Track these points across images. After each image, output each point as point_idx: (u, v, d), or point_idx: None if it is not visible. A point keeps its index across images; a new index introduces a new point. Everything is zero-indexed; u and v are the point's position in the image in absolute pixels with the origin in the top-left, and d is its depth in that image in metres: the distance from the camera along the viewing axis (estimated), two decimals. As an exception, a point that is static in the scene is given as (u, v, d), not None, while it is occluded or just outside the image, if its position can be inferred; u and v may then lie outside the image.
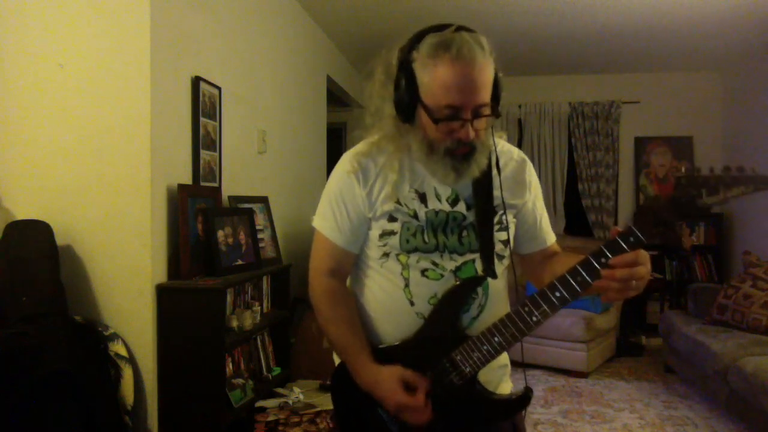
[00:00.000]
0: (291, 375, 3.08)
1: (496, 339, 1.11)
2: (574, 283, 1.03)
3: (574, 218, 5.95)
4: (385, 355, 1.20)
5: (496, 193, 1.21)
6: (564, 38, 4.64)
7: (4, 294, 2.05)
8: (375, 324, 1.24)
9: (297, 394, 2.73)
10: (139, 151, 2.23)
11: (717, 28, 4.32)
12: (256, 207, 3.03)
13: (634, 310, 5.18)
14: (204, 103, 2.59)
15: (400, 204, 1.18)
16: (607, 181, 5.76)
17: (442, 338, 1.16)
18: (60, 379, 1.91)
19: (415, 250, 1.18)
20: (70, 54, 2.26)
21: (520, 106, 5.96)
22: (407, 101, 1.11)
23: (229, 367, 2.50)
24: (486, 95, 1.09)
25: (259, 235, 2.95)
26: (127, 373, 2.18)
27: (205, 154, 2.61)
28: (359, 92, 5.91)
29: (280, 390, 2.81)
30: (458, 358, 1.14)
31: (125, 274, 2.24)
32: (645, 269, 0.99)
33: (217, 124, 2.72)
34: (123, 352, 2.19)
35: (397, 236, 1.18)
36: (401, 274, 1.19)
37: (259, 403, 2.63)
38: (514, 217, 1.26)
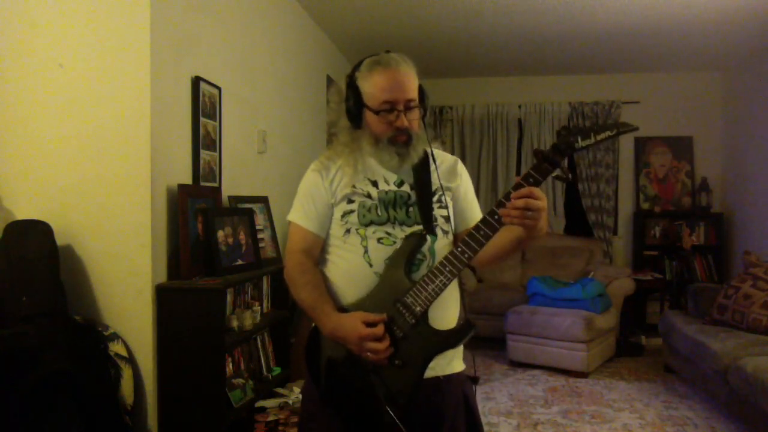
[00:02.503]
0: (291, 375, 3.08)
1: (438, 278, 1.35)
2: (492, 221, 1.30)
3: (574, 218, 5.96)
4: (348, 310, 1.41)
5: (435, 181, 1.49)
6: (564, 38, 4.64)
7: (4, 294, 2.05)
8: (340, 288, 1.46)
9: (297, 394, 2.73)
10: (139, 151, 2.23)
11: (717, 28, 4.32)
12: (256, 207, 3.03)
13: (634, 310, 5.18)
14: (204, 103, 2.59)
15: (355, 188, 1.46)
16: (607, 181, 5.76)
17: (394, 287, 1.38)
18: (60, 379, 1.92)
19: (371, 223, 1.43)
20: (70, 54, 2.26)
21: (520, 106, 5.96)
22: (355, 108, 1.44)
23: (229, 367, 2.50)
24: (413, 93, 1.42)
25: (259, 235, 2.95)
26: (127, 373, 2.18)
27: (205, 154, 2.61)
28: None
29: (280, 390, 2.81)
30: (409, 300, 1.36)
31: (125, 274, 2.24)
32: (539, 202, 1.25)
33: (217, 124, 2.72)
34: (123, 352, 2.19)
35: (355, 213, 1.44)
36: (361, 244, 1.43)
37: (259, 403, 2.63)
38: (451, 199, 1.53)
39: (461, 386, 1.50)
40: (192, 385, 2.26)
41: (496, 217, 1.29)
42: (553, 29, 4.41)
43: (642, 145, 5.85)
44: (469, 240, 1.32)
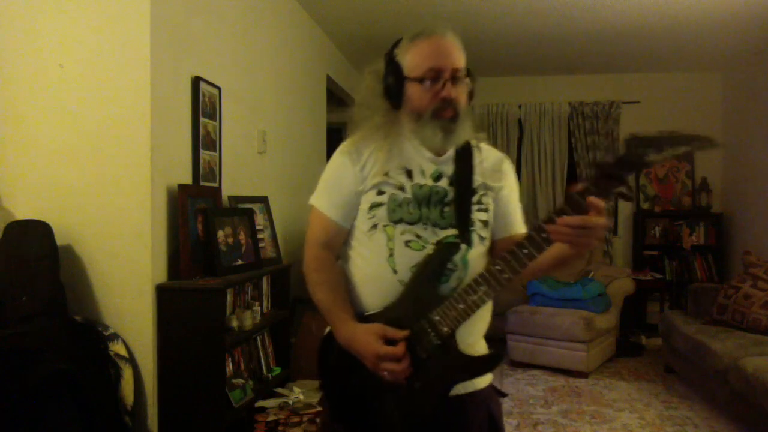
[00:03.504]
0: (291, 375, 3.08)
1: (470, 297, 1.19)
2: (538, 239, 1.12)
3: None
4: (368, 320, 1.26)
5: (478, 178, 1.33)
6: (564, 38, 4.64)
7: (4, 294, 2.05)
8: (360, 292, 1.32)
9: (297, 394, 2.73)
10: (139, 151, 2.23)
11: (717, 28, 4.32)
12: (256, 207, 3.03)
13: (634, 310, 5.19)
14: (204, 103, 2.59)
15: (388, 177, 1.29)
16: (607, 181, 5.76)
17: (420, 300, 1.23)
18: (60, 379, 1.91)
19: (400, 220, 1.27)
20: (70, 54, 2.26)
21: (520, 106, 5.96)
22: (395, 84, 1.29)
23: (229, 367, 2.50)
24: (460, 62, 1.26)
25: (259, 235, 2.95)
26: (127, 373, 2.18)
27: (205, 154, 2.61)
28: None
29: (280, 390, 2.81)
30: (436, 318, 1.21)
31: (125, 274, 2.24)
32: (600, 219, 1.07)
33: (217, 124, 2.72)
34: (123, 352, 2.19)
35: (384, 207, 1.28)
36: (386, 245, 1.27)
37: (259, 403, 2.63)
38: (493, 201, 1.36)
39: (486, 403, 1.34)
40: (192, 385, 2.26)
41: (543, 235, 1.11)
42: (553, 29, 4.41)
43: (642, 145, 5.84)
44: (509, 258, 1.15)
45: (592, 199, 1.07)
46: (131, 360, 2.22)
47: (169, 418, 2.27)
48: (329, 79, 4.73)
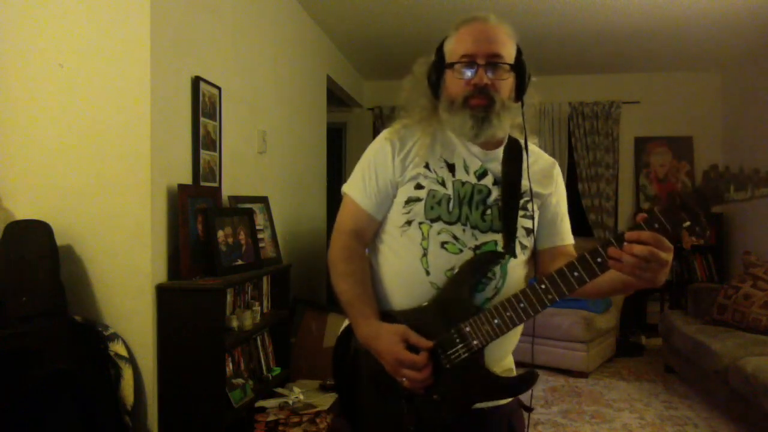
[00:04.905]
0: (291, 375, 3.08)
1: (508, 314, 1.10)
2: (592, 263, 1.02)
3: (573, 218, 5.94)
4: (393, 319, 1.19)
5: (525, 181, 1.24)
6: (564, 38, 4.64)
7: (4, 294, 2.05)
8: (388, 290, 1.25)
9: (297, 394, 2.74)
10: (139, 151, 2.23)
11: (717, 28, 4.32)
12: (256, 207, 3.03)
13: (634, 310, 5.19)
14: (204, 103, 2.59)
15: (429, 169, 1.22)
16: (607, 181, 5.76)
17: (453, 308, 1.15)
18: (60, 379, 1.92)
19: (438, 218, 1.19)
20: (70, 54, 2.26)
21: (520, 106, 5.95)
22: (435, 72, 1.24)
23: (229, 367, 2.50)
24: (499, 48, 1.18)
25: (259, 235, 2.95)
26: (127, 373, 2.18)
27: (205, 154, 2.61)
28: (359, 92, 5.91)
29: (280, 390, 2.81)
30: (467, 330, 1.13)
31: (125, 274, 2.24)
32: (664, 254, 0.97)
33: (217, 124, 2.72)
34: (123, 352, 2.19)
35: (422, 203, 1.20)
36: (420, 243, 1.20)
37: (259, 403, 2.63)
38: (538, 208, 1.28)
39: (508, 418, 1.27)
40: (192, 385, 2.26)
41: (599, 260, 1.02)
42: (553, 29, 4.41)
43: (642, 145, 5.85)
44: (557, 278, 1.06)
45: (659, 236, 0.97)
46: (131, 360, 2.22)
47: (169, 418, 2.27)
48: (329, 79, 4.73)
